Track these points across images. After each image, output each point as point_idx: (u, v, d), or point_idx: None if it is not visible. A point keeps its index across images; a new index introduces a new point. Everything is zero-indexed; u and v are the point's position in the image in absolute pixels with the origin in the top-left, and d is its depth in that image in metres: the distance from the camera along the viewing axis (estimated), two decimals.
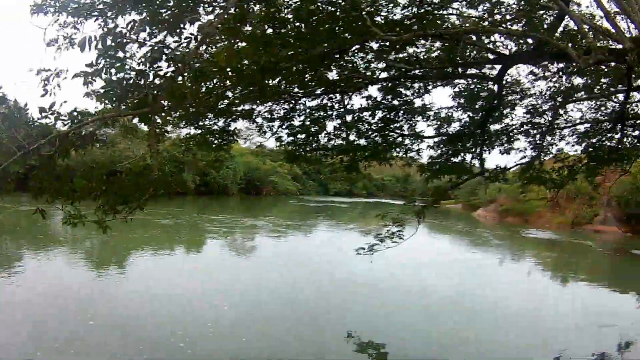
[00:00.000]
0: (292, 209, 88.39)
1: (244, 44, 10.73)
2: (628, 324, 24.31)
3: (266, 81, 12.21)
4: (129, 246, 37.20)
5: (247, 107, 15.03)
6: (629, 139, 19.40)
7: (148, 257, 35.18)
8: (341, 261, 32.43)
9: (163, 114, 11.55)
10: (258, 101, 14.75)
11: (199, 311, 21.81)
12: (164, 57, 9.16)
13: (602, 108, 19.28)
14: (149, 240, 41.74)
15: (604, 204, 69.73)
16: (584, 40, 12.07)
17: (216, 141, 16.28)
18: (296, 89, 14.99)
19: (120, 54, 9.07)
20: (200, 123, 15.26)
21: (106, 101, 9.49)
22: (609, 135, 19.03)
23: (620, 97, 17.69)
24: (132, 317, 20.63)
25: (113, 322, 19.85)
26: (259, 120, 16.44)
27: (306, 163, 19.12)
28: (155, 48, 9.20)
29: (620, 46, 10.31)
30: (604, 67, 16.23)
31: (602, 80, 17.58)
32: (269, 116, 16.41)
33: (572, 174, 19.64)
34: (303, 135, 17.22)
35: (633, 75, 15.23)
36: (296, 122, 16.78)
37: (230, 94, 13.44)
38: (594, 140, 19.39)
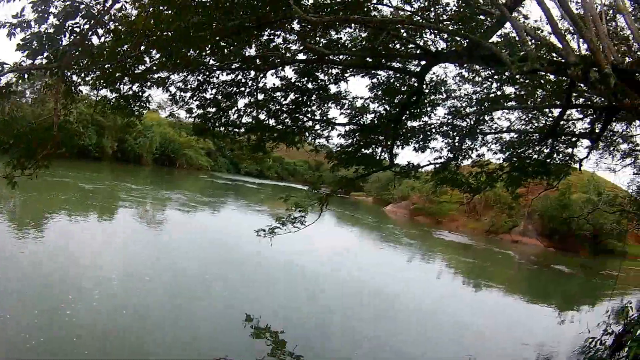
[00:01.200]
0: (203, 184, 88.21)
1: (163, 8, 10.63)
2: (548, 339, 24.77)
3: (181, 49, 12.14)
4: (43, 207, 36.59)
5: (163, 75, 14.91)
6: (560, 154, 19.76)
7: (59, 220, 34.13)
8: (246, 242, 31.56)
9: (77, 71, 11.43)
10: (173, 70, 14.62)
11: (91, 277, 21.41)
12: (80, 13, 8.99)
13: (534, 120, 19.55)
14: (65, 203, 40.93)
15: (525, 215, 70.78)
16: (522, 50, 12.17)
17: (130, 106, 15.99)
18: (211, 61, 14.90)
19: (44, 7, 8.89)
20: (117, 86, 14.97)
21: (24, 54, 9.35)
22: (537, 148, 19.28)
23: (555, 111, 17.98)
24: (22, 277, 20.30)
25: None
26: (173, 89, 16.28)
27: (214, 138, 18.90)
28: (71, 3, 8.98)
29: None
30: (541, 80, 16.66)
31: (537, 92, 17.94)
32: (183, 86, 16.26)
33: (490, 181, 19.92)
34: (213, 109, 17.10)
35: (574, 94, 15.63)
36: (208, 95, 16.71)
37: (147, 59, 13.35)
38: (519, 151, 19.63)
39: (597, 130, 17.73)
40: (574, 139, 19.29)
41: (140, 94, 15.54)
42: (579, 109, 18.58)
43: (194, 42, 11.75)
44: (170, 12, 10.44)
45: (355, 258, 40.15)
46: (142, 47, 11.98)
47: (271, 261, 28.95)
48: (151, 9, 10.44)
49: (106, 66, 12.33)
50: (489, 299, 34.83)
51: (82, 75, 12.74)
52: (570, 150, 19.79)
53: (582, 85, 14.29)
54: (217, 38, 12.75)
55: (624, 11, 12.96)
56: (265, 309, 21.36)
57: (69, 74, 11.35)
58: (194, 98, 16.67)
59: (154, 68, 13.78)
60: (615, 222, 59.16)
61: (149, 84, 15.03)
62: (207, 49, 13.46)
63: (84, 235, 30.77)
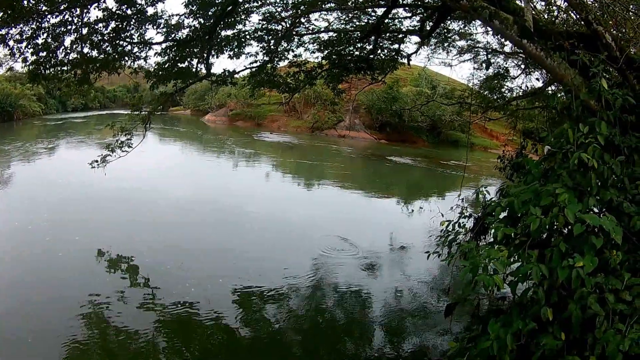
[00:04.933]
0: (37, 130, 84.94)
1: None
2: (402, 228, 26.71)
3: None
4: None
5: (3, 31, 14.82)
6: (385, 50, 20.94)
7: None
8: (87, 176, 30.24)
9: None
10: (13, 23, 14.52)
11: None
12: None
13: (355, 20, 20.19)
14: None
15: (350, 110, 72.56)
16: None
17: None
18: (43, 7, 15.10)
19: None
20: None
21: None
22: (359, 45, 20.40)
23: (379, 11, 18.74)
24: None
25: None
26: (12, 43, 16.25)
27: (45, 81, 18.58)
28: None
29: None
30: None
31: None
32: (20, 38, 16.24)
33: (309, 79, 21.33)
34: (44, 53, 17.09)
35: None
36: (40, 41, 16.67)
37: None
38: (339, 49, 20.62)
39: (427, 28, 18.79)
40: (400, 36, 20.35)
41: None
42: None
43: None
44: None
45: (187, 174, 40.39)
46: None
47: (108, 192, 28.75)
48: None
49: None
50: (330, 196, 36.00)
51: None
52: (396, 46, 20.90)
53: None
54: None
55: None
56: (112, 240, 21.23)
57: None
58: (29, 47, 16.56)
59: None
60: (455, 114, 61.16)
61: None
62: None
63: None
